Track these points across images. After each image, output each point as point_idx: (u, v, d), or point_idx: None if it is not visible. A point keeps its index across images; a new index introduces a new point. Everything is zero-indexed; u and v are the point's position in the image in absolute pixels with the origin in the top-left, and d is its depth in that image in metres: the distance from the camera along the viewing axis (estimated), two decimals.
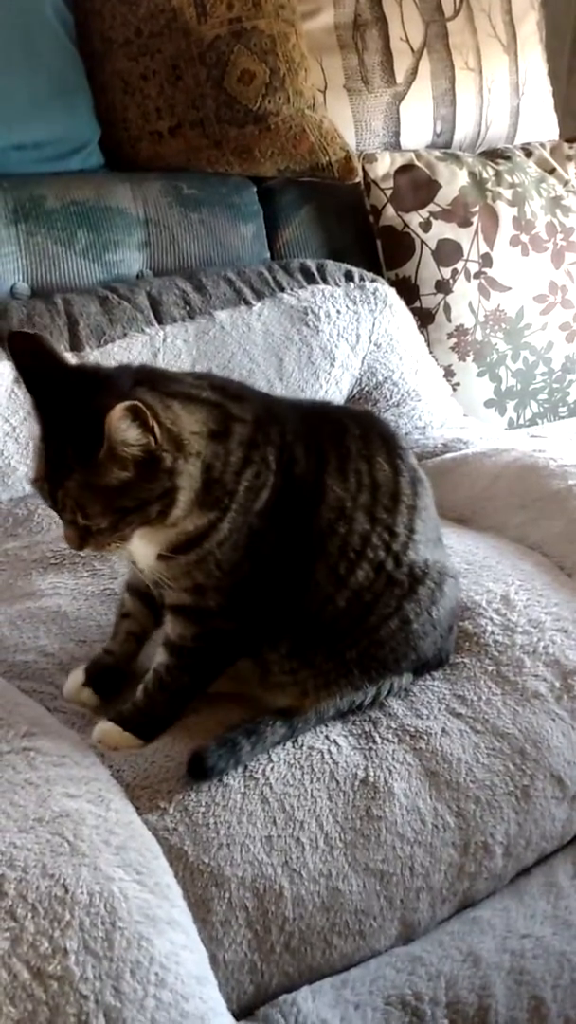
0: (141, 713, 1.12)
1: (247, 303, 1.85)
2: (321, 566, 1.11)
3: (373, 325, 1.94)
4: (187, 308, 1.81)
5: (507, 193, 2.22)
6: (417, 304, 2.12)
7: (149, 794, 1.03)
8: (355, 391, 1.92)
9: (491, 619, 1.29)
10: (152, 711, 1.12)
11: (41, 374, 1.03)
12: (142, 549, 1.08)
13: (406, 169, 2.15)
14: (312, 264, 1.98)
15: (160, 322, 1.77)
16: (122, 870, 0.90)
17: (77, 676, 1.20)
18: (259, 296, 1.87)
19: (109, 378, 1.05)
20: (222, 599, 1.09)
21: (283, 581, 1.10)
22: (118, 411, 0.95)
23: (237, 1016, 0.94)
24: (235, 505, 1.06)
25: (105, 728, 1.11)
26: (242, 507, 1.07)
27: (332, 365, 1.86)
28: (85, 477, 0.99)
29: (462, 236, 2.16)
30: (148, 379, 1.05)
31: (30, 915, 0.84)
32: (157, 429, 0.99)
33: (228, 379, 1.16)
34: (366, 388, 1.92)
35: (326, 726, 1.13)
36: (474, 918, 1.10)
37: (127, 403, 0.96)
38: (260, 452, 1.08)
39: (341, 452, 1.13)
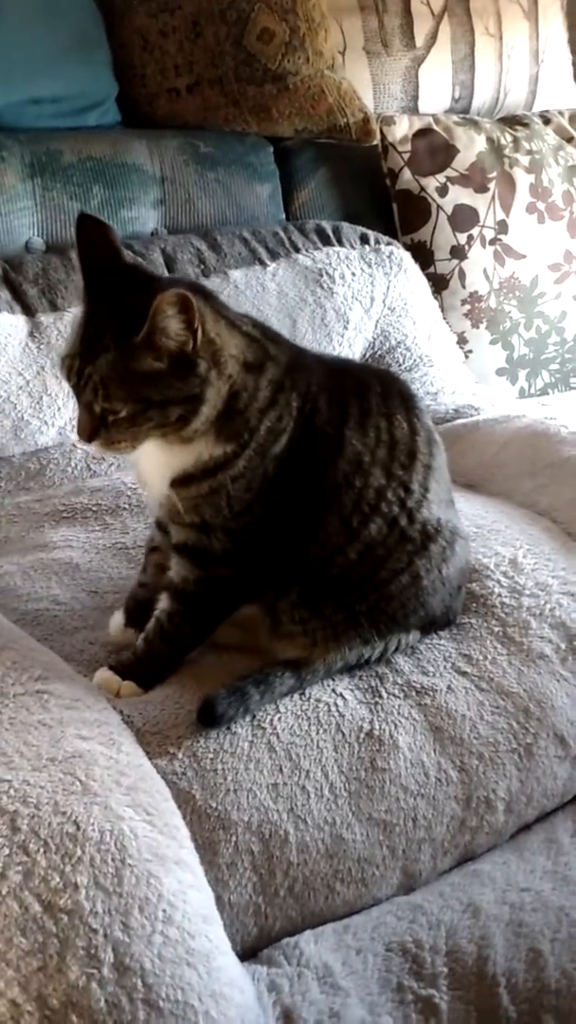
0: (140, 662, 1.14)
1: (262, 263, 1.85)
2: (333, 518, 1.12)
3: (387, 289, 1.93)
4: (202, 267, 1.81)
5: (524, 160, 2.21)
6: (432, 269, 2.12)
7: (159, 740, 1.05)
8: (368, 354, 1.92)
9: (499, 581, 1.30)
10: (152, 660, 1.14)
11: (100, 261, 1.05)
12: (156, 470, 1.09)
13: (424, 133, 2.14)
14: (328, 226, 1.98)
15: None
16: (132, 810, 0.91)
17: (118, 618, 1.21)
18: (274, 256, 1.87)
19: (164, 279, 1.08)
20: (227, 542, 1.10)
21: (292, 530, 1.11)
22: (168, 296, 0.97)
23: (241, 957, 0.96)
24: (254, 443, 1.07)
25: (104, 676, 1.13)
26: (260, 447, 1.08)
27: (345, 328, 1.86)
28: (118, 356, 0.99)
29: (478, 202, 2.15)
30: (202, 293, 1.07)
31: (42, 850, 0.86)
32: (200, 333, 1.00)
33: (264, 323, 1.16)
34: (379, 352, 1.92)
35: (333, 680, 1.14)
36: (475, 871, 1.12)
37: (178, 291, 0.97)
38: (286, 396, 1.09)
39: (363, 407, 1.14)
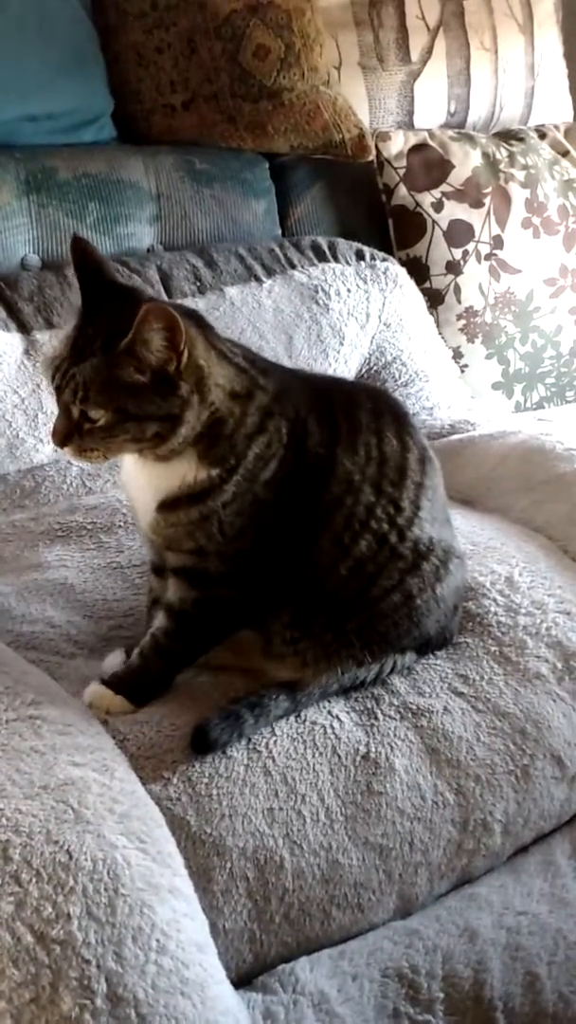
0: (135, 677, 1.13)
1: (258, 280, 1.85)
2: (326, 536, 1.12)
3: (383, 304, 1.93)
4: (198, 283, 1.80)
5: (520, 175, 2.21)
6: (427, 285, 2.12)
7: (153, 764, 1.04)
8: (363, 370, 1.92)
9: (495, 600, 1.30)
10: (146, 676, 1.13)
11: (96, 280, 1.08)
12: (143, 493, 1.10)
13: (419, 148, 2.14)
14: (323, 242, 1.98)
15: (170, 297, 1.77)
16: (125, 838, 0.91)
17: (116, 657, 1.20)
18: (270, 273, 1.87)
19: (163, 301, 1.11)
20: (224, 565, 1.10)
21: (287, 551, 1.11)
22: (154, 309, 0.99)
23: (236, 984, 0.95)
24: (242, 469, 1.08)
25: (97, 690, 1.12)
26: (249, 472, 1.08)
27: (341, 344, 1.86)
28: (103, 362, 1.01)
29: (474, 217, 2.15)
30: (196, 320, 1.09)
31: (34, 880, 0.85)
32: (186, 356, 1.02)
33: (255, 353, 1.18)
34: (374, 368, 1.92)
35: (329, 701, 1.14)
36: (471, 894, 1.11)
37: (164, 308, 1.00)
38: (275, 423, 1.10)
39: (353, 425, 1.14)
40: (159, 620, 1.14)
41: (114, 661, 1.19)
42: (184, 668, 1.16)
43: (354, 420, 1.14)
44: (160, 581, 1.18)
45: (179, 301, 1.76)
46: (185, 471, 1.07)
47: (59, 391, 1.05)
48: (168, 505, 1.09)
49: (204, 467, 1.07)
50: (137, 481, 1.12)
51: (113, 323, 1.02)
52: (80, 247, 1.10)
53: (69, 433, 1.04)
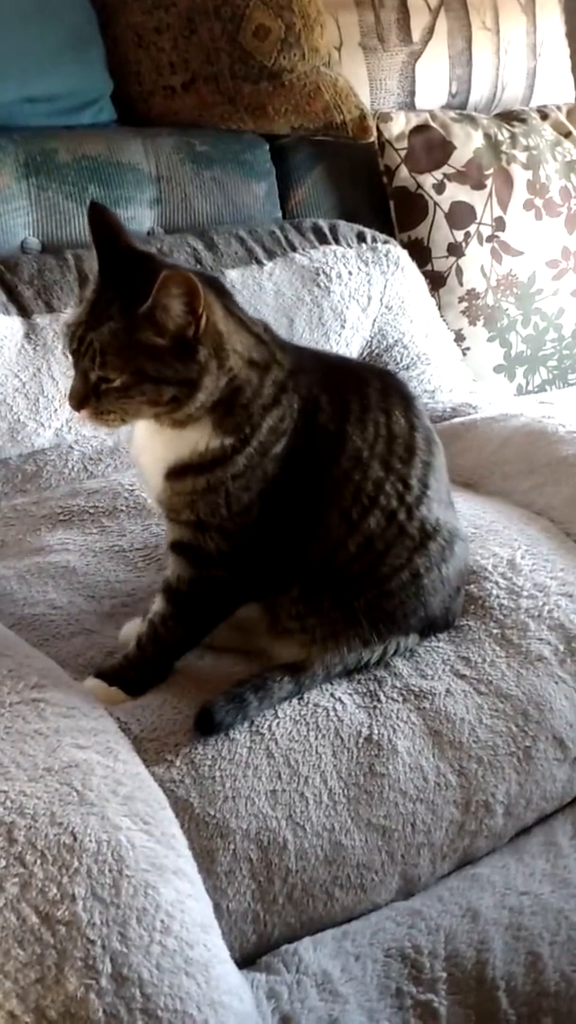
0: (131, 666, 1.13)
1: (258, 262, 1.85)
2: (334, 512, 1.12)
3: (384, 287, 1.93)
4: (198, 266, 1.80)
5: (522, 156, 2.20)
6: (429, 267, 2.11)
7: (156, 747, 1.05)
8: (365, 353, 1.91)
9: (497, 583, 1.30)
10: (142, 664, 1.14)
11: (114, 245, 1.09)
12: (154, 460, 1.10)
13: (421, 129, 2.13)
14: (324, 224, 1.97)
15: None
16: (129, 820, 0.91)
17: (133, 626, 1.21)
18: (271, 255, 1.86)
19: (182, 266, 1.11)
20: (223, 543, 1.10)
21: (293, 528, 1.12)
22: (174, 275, 1.00)
23: (240, 964, 0.96)
24: (255, 441, 1.08)
25: (93, 684, 1.13)
26: (262, 445, 1.08)
27: (343, 327, 1.86)
28: (122, 326, 1.02)
29: (476, 199, 2.14)
30: (217, 287, 1.10)
31: (39, 862, 0.86)
32: (204, 321, 1.02)
33: (274, 331, 1.18)
34: (376, 351, 1.91)
35: (332, 684, 1.14)
36: (474, 875, 1.12)
37: (184, 274, 1.00)
38: (288, 397, 1.10)
39: (363, 403, 1.15)
40: (157, 604, 1.14)
41: (131, 630, 1.20)
42: (182, 653, 1.16)
43: (364, 398, 1.15)
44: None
45: None
46: (198, 438, 1.07)
47: (76, 355, 1.05)
48: (177, 472, 1.09)
49: (218, 435, 1.07)
50: (149, 448, 1.12)
51: (131, 287, 1.03)
52: (97, 212, 1.11)
53: (86, 396, 1.05)
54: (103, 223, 1.10)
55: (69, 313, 1.63)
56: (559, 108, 2.36)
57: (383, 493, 1.13)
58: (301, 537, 1.12)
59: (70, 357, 1.07)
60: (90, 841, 0.88)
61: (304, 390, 1.12)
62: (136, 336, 1.02)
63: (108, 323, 1.02)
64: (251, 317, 1.13)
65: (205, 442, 1.07)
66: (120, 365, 1.02)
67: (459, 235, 2.13)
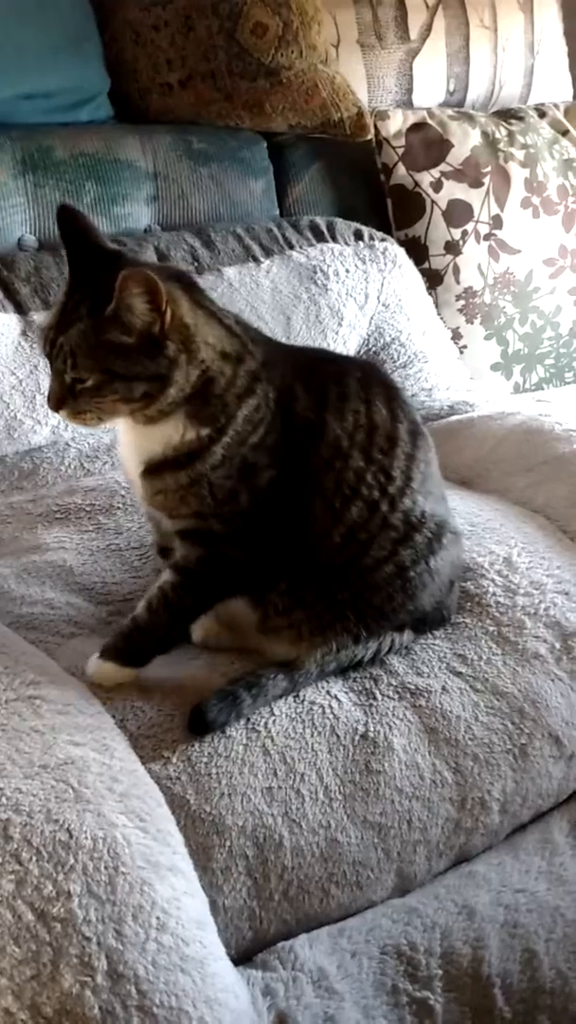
0: (140, 629, 1.12)
1: (256, 260, 1.84)
2: (319, 501, 1.12)
3: (382, 285, 1.93)
4: (195, 264, 1.80)
5: (519, 154, 2.20)
6: (426, 265, 2.11)
7: (153, 744, 1.05)
8: (362, 351, 1.91)
9: (493, 580, 1.30)
10: (152, 628, 1.12)
11: (84, 246, 1.10)
12: (132, 457, 1.11)
13: (418, 127, 2.13)
14: (322, 222, 1.97)
15: None
16: (125, 817, 0.91)
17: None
18: (268, 253, 1.86)
19: (144, 263, 1.12)
20: (226, 525, 1.11)
21: (284, 516, 1.12)
22: (133, 275, 1.00)
23: (236, 961, 0.96)
24: (231, 430, 1.09)
25: (98, 666, 1.12)
26: (238, 435, 1.09)
27: (340, 324, 1.86)
28: (89, 327, 1.03)
29: (473, 197, 2.14)
30: (184, 281, 1.11)
31: (35, 859, 0.86)
32: (169, 316, 1.03)
33: (248, 323, 1.19)
34: (373, 348, 1.91)
35: (327, 682, 1.14)
36: (470, 872, 1.12)
37: (143, 273, 1.01)
38: (263, 387, 1.11)
39: (341, 391, 1.15)
40: (166, 575, 1.14)
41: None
42: (189, 622, 1.15)
43: (343, 387, 1.15)
44: (166, 563, 1.18)
45: None
46: (172, 432, 1.08)
47: (50, 357, 1.07)
48: (153, 469, 1.10)
49: (193, 426, 1.08)
50: (126, 447, 1.13)
51: (99, 288, 1.03)
52: (67, 214, 1.12)
53: (62, 397, 1.07)
54: (73, 225, 1.11)
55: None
56: (557, 106, 2.36)
57: (364, 483, 1.13)
58: (294, 526, 1.13)
59: (45, 360, 1.08)
60: (86, 838, 0.88)
61: (278, 380, 1.12)
62: (104, 336, 1.03)
63: (77, 325, 1.03)
64: (222, 309, 1.14)
65: (180, 435, 1.08)
66: (90, 365, 1.04)
67: (456, 233, 2.13)
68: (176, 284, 1.07)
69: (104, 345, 1.03)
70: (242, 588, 1.15)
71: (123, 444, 1.15)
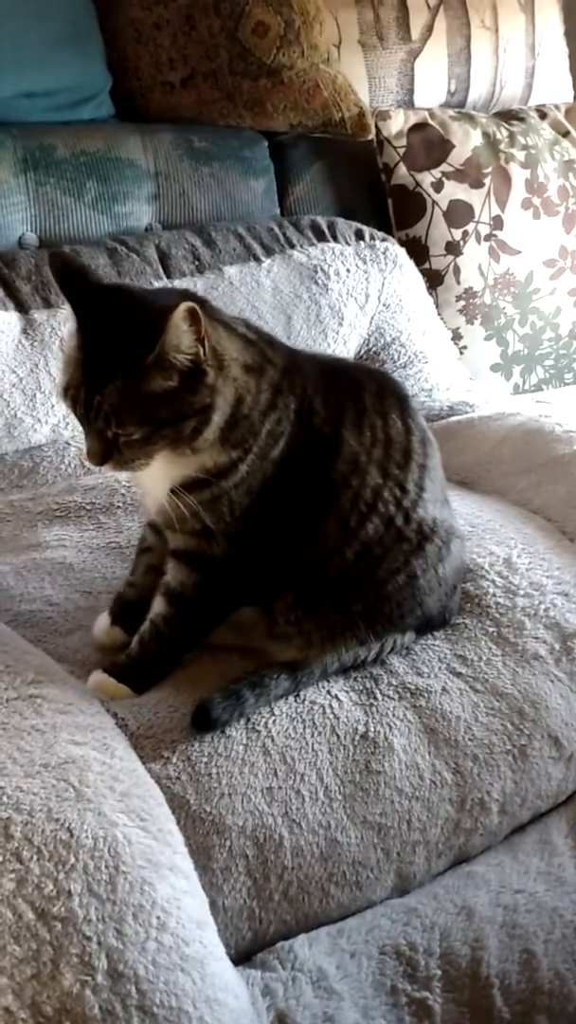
0: (135, 664, 1.13)
1: (256, 259, 1.84)
2: (331, 518, 1.11)
3: (382, 285, 1.93)
4: (196, 262, 1.80)
5: (520, 155, 2.20)
6: (427, 265, 2.11)
7: (153, 743, 1.04)
8: (362, 351, 1.91)
9: (493, 581, 1.30)
10: (147, 662, 1.13)
11: (82, 289, 1.04)
12: (158, 479, 1.08)
13: (419, 128, 2.13)
14: (323, 222, 1.97)
15: (169, 276, 1.77)
16: (126, 816, 0.91)
17: (103, 619, 1.21)
18: (269, 252, 1.86)
19: (156, 293, 1.09)
20: (227, 546, 1.10)
21: (290, 530, 1.11)
22: (180, 312, 0.96)
23: (235, 961, 0.96)
24: (256, 448, 1.07)
25: (99, 679, 1.12)
26: (261, 451, 1.08)
27: (340, 324, 1.86)
28: (127, 383, 0.99)
29: (474, 197, 2.14)
30: (196, 299, 1.05)
31: (35, 857, 0.86)
32: (206, 341, 1.00)
33: (257, 326, 1.16)
34: (374, 348, 1.92)
35: (328, 681, 1.14)
36: (469, 873, 1.12)
37: (188, 305, 0.97)
38: (284, 399, 1.09)
39: (358, 407, 1.14)
40: (158, 606, 1.14)
41: (101, 625, 1.20)
42: (185, 652, 1.16)
43: (360, 401, 1.14)
44: (154, 534, 1.18)
45: (177, 281, 1.76)
46: (205, 458, 1.06)
47: (86, 419, 1.02)
48: (184, 488, 1.07)
49: (226, 451, 1.06)
50: (155, 472, 1.08)
51: (121, 335, 1.00)
52: (58, 260, 1.07)
53: (107, 452, 1.02)
54: (67, 271, 1.05)
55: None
56: (558, 107, 2.36)
57: (381, 500, 1.12)
58: (299, 539, 1.12)
59: (76, 420, 1.04)
60: (86, 837, 0.88)
61: (299, 390, 1.11)
62: (147, 388, 0.99)
63: (113, 382, 0.98)
64: (232, 318, 1.11)
65: (213, 459, 1.06)
66: (137, 420, 0.99)
67: (457, 234, 2.13)
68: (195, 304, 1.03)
69: (148, 396, 0.99)
70: (234, 610, 1.15)
71: (151, 471, 1.08)
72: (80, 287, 1.04)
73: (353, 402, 1.14)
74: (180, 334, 0.98)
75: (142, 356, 0.98)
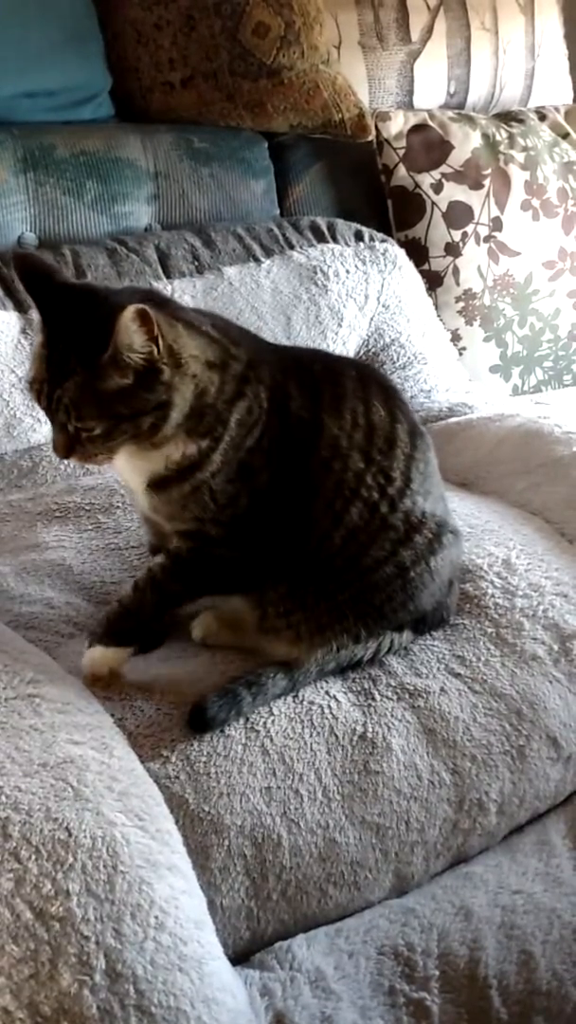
0: (126, 610, 1.13)
1: (256, 260, 1.85)
2: (319, 503, 1.12)
3: (382, 286, 1.93)
4: (196, 263, 1.80)
5: (520, 156, 2.20)
6: (426, 266, 2.11)
7: (152, 743, 1.05)
8: (362, 352, 1.91)
9: (492, 582, 1.30)
10: (138, 609, 1.13)
11: (47, 289, 1.07)
12: (133, 475, 1.11)
13: (419, 129, 2.13)
14: (322, 222, 1.97)
15: (168, 276, 1.77)
16: (124, 816, 0.91)
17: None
18: (268, 253, 1.86)
19: (117, 293, 1.10)
20: (223, 530, 1.11)
21: (284, 517, 1.12)
22: (128, 313, 0.99)
23: (233, 961, 0.96)
24: (227, 436, 1.08)
25: (91, 653, 1.12)
26: (234, 440, 1.09)
27: (340, 325, 1.86)
28: (86, 379, 1.02)
29: (473, 199, 2.14)
30: (154, 299, 1.09)
31: (34, 857, 0.86)
32: (161, 342, 1.02)
33: (229, 322, 1.18)
34: (373, 349, 1.92)
35: (326, 682, 1.14)
36: (467, 873, 1.12)
37: (136, 306, 0.99)
38: (252, 388, 1.10)
39: (336, 391, 1.15)
40: (159, 558, 1.15)
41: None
42: (175, 606, 1.16)
43: (338, 386, 1.15)
44: (150, 534, 1.20)
45: (177, 281, 1.77)
46: (172, 451, 1.08)
47: (49, 412, 1.05)
48: (158, 484, 1.10)
49: (192, 441, 1.08)
50: (127, 469, 1.12)
51: (82, 332, 1.02)
52: (22, 262, 1.10)
53: (70, 445, 1.05)
54: (32, 271, 1.09)
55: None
56: (557, 109, 2.36)
57: (364, 485, 1.13)
58: (292, 527, 1.13)
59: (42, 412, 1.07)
60: (85, 837, 0.88)
61: (268, 379, 1.12)
62: (103, 385, 1.01)
63: (72, 378, 1.02)
64: (197, 316, 1.13)
65: (180, 452, 1.08)
66: (95, 415, 1.03)
67: (456, 235, 2.13)
68: (152, 305, 1.04)
69: (105, 393, 1.02)
70: (237, 588, 1.15)
71: (123, 466, 1.12)
72: (45, 285, 1.07)
73: (331, 386, 1.15)
74: (131, 334, 1.00)
75: (99, 354, 1.00)
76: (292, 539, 1.13)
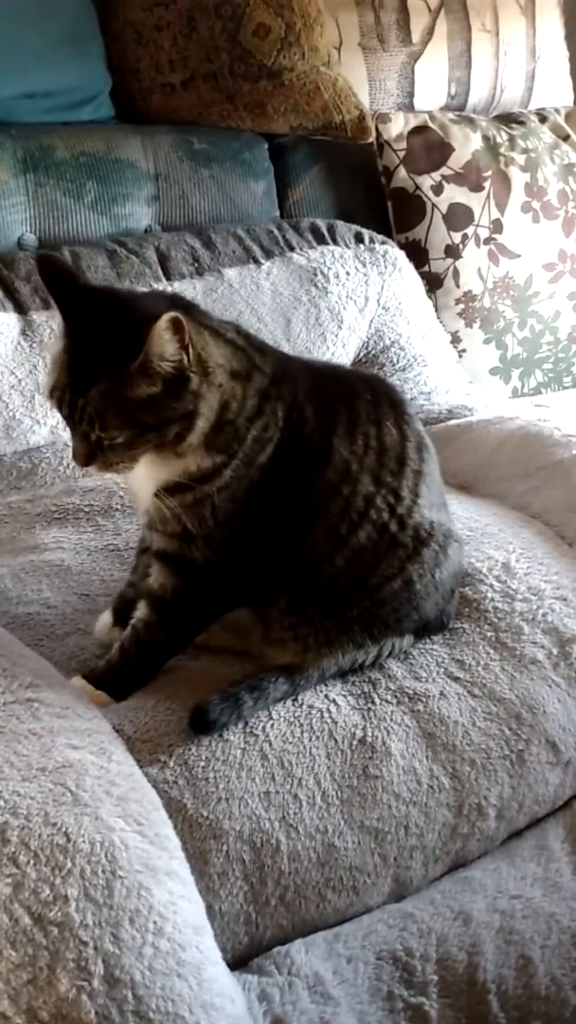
0: (115, 671, 1.13)
1: (256, 261, 1.84)
2: (321, 526, 1.11)
3: (382, 288, 1.93)
4: (196, 264, 1.80)
5: (520, 158, 2.20)
6: (426, 268, 2.11)
7: (150, 747, 1.04)
8: (361, 354, 1.91)
9: (491, 586, 1.30)
10: (126, 669, 1.13)
11: (70, 292, 1.04)
12: (144, 480, 1.09)
13: (420, 130, 2.13)
14: (322, 224, 1.97)
15: (168, 278, 1.77)
16: (123, 820, 0.91)
17: (105, 617, 1.21)
18: (268, 255, 1.86)
19: (144, 298, 1.08)
20: (209, 552, 1.09)
21: (279, 537, 1.11)
22: (163, 322, 0.97)
23: (232, 966, 0.96)
24: (241, 453, 1.07)
25: (77, 685, 1.12)
26: (247, 457, 1.08)
27: (340, 327, 1.86)
28: (111, 387, 0.99)
29: (473, 201, 2.14)
30: (179, 305, 1.06)
31: (32, 862, 0.86)
32: (191, 349, 1.00)
33: (249, 331, 1.16)
34: (373, 351, 1.91)
35: (326, 685, 1.14)
36: (466, 878, 1.12)
37: (171, 315, 0.97)
38: (272, 405, 1.09)
39: (351, 415, 1.13)
40: (141, 610, 1.14)
41: (103, 624, 1.21)
42: (166, 659, 1.15)
43: (353, 410, 1.14)
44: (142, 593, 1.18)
45: (177, 282, 1.76)
46: (189, 461, 1.06)
47: (71, 421, 1.02)
48: (167, 491, 1.08)
49: (210, 455, 1.06)
50: (138, 474, 1.09)
51: (106, 339, 1.00)
52: (45, 263, 1.07)
53: (91, 454, 1.03)
54: (55, 273, 1.06)
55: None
56: (558, 111, 2.36)
57: (374, 507, 1.12)
58: (287, 548, 1.12)
59: (62, 420, 1.04)
60: (83, 842, 0.87)
61: (289, 397, 1.10)
62: (130, 394, 0.99)
63: (96, 385, 0.99)
64: (221, 323, 1.11)
65: (197, 464, 1.06)
66: (120, 423, 1.00)
67: (456, 237, 2.13)
68: (181, 311, 1.01)
69: (131, 401, 0.99)
70: (215, 619, 1.15)
71: (135, 473, 1.09)
72: (68, 289, 1.05)
73: (347, 410, 1.13)
74: (163, 343, 0.98)
75: (126, 362, 0.98)
76: (288, 557, 1.12)
